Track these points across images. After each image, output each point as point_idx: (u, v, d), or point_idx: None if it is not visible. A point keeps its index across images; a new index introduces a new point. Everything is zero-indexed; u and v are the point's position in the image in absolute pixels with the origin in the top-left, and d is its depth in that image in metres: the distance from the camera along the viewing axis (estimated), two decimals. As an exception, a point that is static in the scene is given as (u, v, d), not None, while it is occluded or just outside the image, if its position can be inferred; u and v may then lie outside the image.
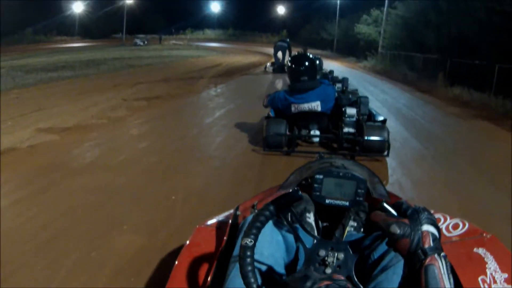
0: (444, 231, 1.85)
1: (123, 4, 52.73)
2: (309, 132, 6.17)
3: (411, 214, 1.02)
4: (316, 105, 6.03)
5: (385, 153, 5.55)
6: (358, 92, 8.83)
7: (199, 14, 70.10)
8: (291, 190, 1.28)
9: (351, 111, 6.01)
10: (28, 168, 5.02)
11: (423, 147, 6.55)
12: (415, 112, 10.03)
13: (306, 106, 6.04)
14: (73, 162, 5.37)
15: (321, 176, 1.51)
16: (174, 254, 1.78)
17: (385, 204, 1.07)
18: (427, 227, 0.99)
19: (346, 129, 5.92)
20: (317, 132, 6.17)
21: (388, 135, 5.57)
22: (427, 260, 0.94)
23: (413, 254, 0.97)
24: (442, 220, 1.91)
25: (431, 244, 0.97)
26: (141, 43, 46.52)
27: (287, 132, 5.89)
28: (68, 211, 3.81)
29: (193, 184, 4.61)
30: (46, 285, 2.62)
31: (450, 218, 1.93)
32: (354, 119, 5.99)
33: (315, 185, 1.51)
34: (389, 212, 1.06)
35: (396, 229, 0.99)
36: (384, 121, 6.01)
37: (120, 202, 4.07)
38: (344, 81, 9.41)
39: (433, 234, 0.99)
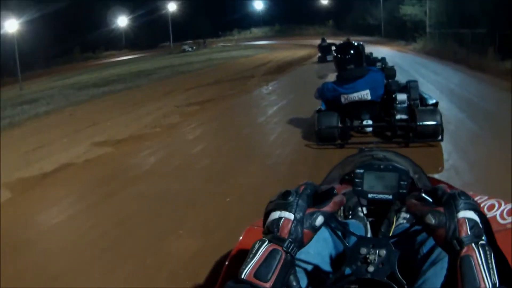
0: (498, 218, 1.72)
1: (165, 12, 53.71)
2: (362, 122, 6.08)
3: (446, 201, 0.94)
4: (366, 94, 5.91)
5: (439, 137, 5.40)
6: (395, 68, 10.05)
7: (243, 13, 70.05)
8: (330, 187, 1.21)
9: (401, 97, 5.91)
10: (85, 181, 5.29)
11: (479, 128, 6.34)
12: (468, 91, 9.73)
13: (355, 96, 5.93)
14: (129, 172, 5.60)
15: (361, 170, 1.47)
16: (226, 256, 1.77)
17: (422, 194, 1.02)
18: (463, 214, 0.91)
19: (398, 116, 5.79)
20: (370, 122, 6.06)
21: (441, 118, 5.40)
22: (463, 251, 0.87)
23: (449, 244, 0.90)
24: (497, 206, 1.79)
25: (469, 232, 0.89)
26: (190, 49, 47.36)
27: (339, 124, 5.85)
28: (125, 219, 4.01)
29: (247, 184, 4.68)
30: None
31: (505, 203, 1.79)
32: (405, 104, 5.87)
33: (356, 180, 1.48)
34: (425, 200, 1.00)
35: (430, 219, 0.93)
36: (436, 104, 5.85)
37: (175, 207, 4.21)
38: (382, 60, 10.67)
39: (471, 221, 0.90)
